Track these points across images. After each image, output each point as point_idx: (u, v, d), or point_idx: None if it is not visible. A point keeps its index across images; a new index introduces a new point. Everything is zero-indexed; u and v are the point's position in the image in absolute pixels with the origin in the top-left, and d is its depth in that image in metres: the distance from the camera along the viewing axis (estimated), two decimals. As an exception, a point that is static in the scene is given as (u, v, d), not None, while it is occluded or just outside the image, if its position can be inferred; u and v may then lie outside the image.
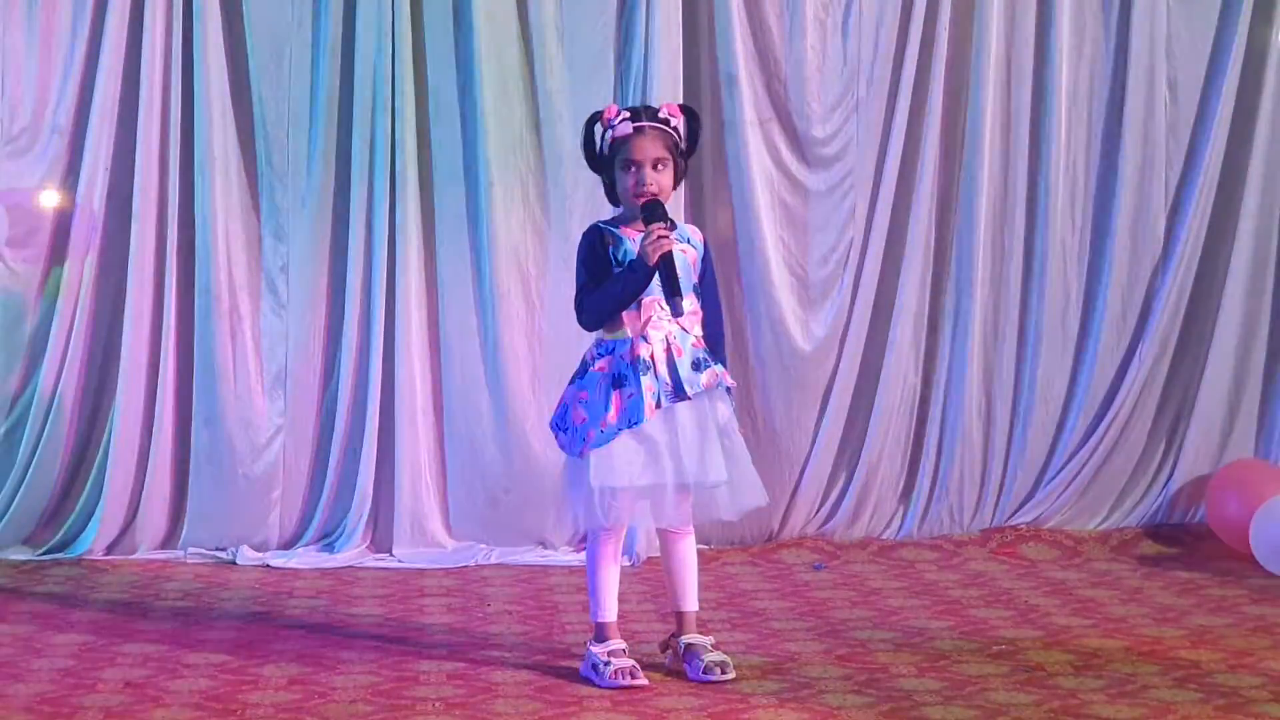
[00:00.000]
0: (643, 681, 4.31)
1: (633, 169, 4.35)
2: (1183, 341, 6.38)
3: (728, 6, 6.11)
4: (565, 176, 6.08)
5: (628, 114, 4.39)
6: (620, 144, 4.36)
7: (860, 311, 6.24)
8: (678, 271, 4.30)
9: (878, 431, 6.28)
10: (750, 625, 5.04)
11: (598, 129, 4.43)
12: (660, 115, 4.40)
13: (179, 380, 6.09)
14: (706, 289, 4.47)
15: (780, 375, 6.24)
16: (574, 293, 4.45)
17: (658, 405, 4.29)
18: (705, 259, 4.48)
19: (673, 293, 4.29)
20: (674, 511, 4.36)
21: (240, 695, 4.23)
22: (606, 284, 4.35)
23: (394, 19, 5.99)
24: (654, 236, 4.27)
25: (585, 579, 4.55)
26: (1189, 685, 4.32)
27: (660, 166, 4.36)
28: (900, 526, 6.33)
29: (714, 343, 4.45)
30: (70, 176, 6.03)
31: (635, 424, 4.28)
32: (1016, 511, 6.35)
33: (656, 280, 4.31)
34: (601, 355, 4.37)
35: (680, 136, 4.42)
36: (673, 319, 4.34)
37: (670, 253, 4.28)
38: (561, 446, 4.44)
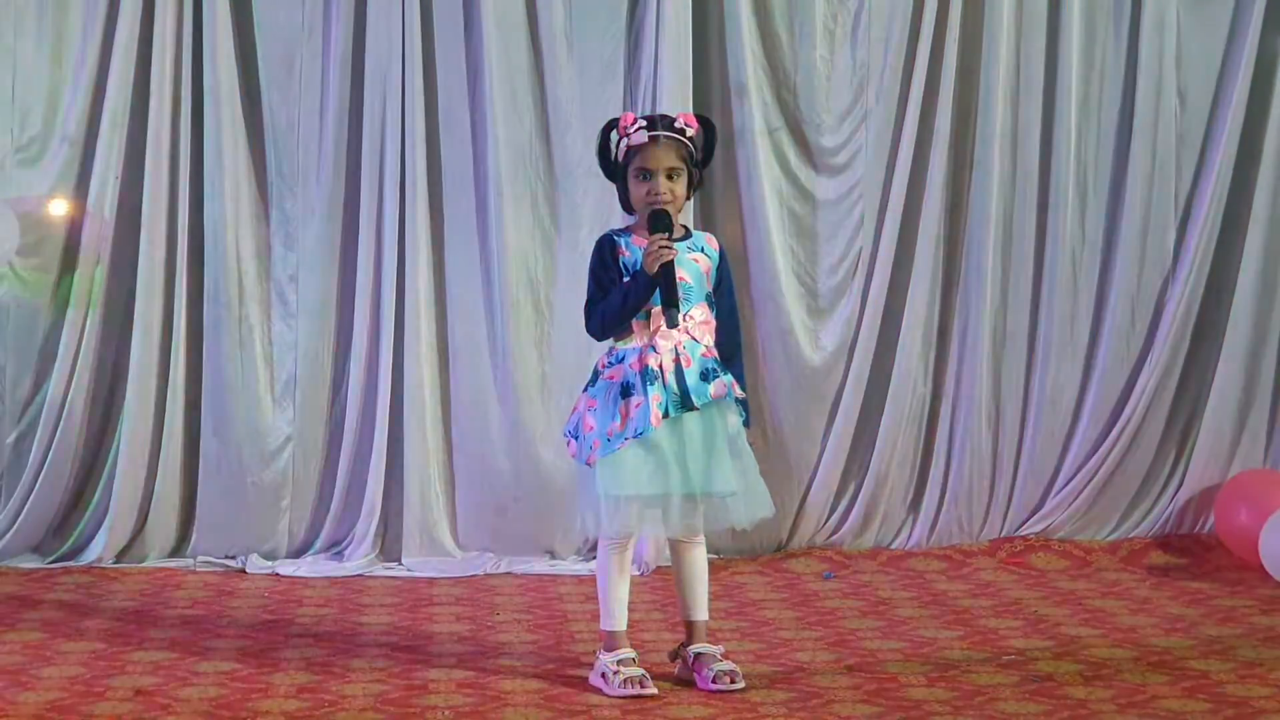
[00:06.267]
0: (652, 690, 4.31)
1: (646, 177, 4.36)
2: (1192, 351, 6.37)
3: (737, 16, 6.12)
4: (575, 185, 6.09)
5: (644, 122, 4.39)
6: (634, 152, 4.37)
7: (869, 321, 6.24)
8: (677, 283, 4.29)
9: (887, 441, 6.27)
10: (759, 635, 5.04)
11: (613, 136, 4.43)
12: (676, 125, 4.40)
13: (188, 388, 6.10)
14: (722, 298, 4.47)
15: (789, 384, 6.24)
16: (584, 301, 4.46)
17: (665, 415, 4.30)
18: (721, 268, 4.48)
19: (669, 304, 4.28)
20: (682, 521, 4.36)
21: (250, 703, 4.24)
22: (613, 294, 4.36)
23: (404, 28, 6.00)
24: (655, 247, 4.27)
25: (594, 588, 4.56)
26: (1199, 696, 4.31)
27: (674, 176, 4.36)
28: (909, 536, 6.32)
29: (729, 352, 4.45)
30: (80, 185, 6.04)
31: (642, 433, 4.29)
32: (1026, 521, 6.35)
33: (665, 290, 4.32)
34: (612, 364, 4.38)
35: (695, 147, 4.43)
36: (682, 329, 4.34)
37: (671, 264, 4.28)
38: (573, 454, 4.44)
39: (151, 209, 6.02)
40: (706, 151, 4.48)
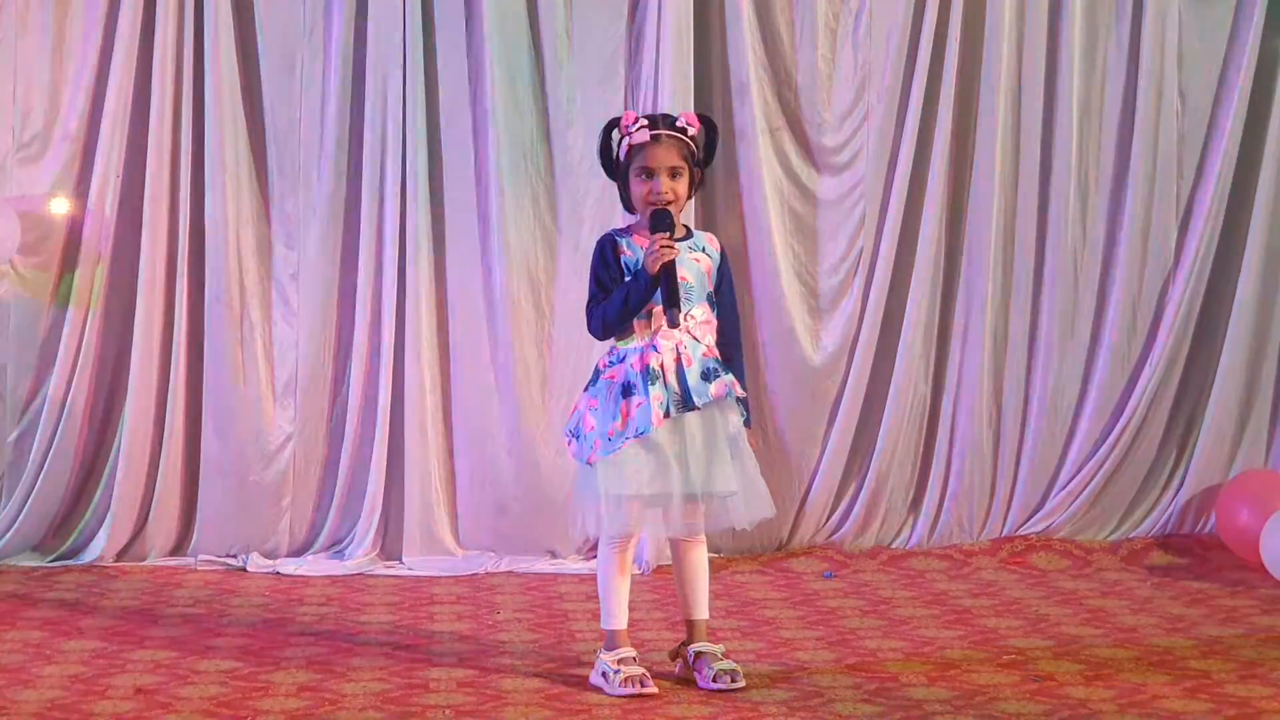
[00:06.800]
0: (652, 689, 4.31)
1: (648, 176, 4.35)
2: (1193, 351, 6.38)
3: (739, 15, 6.12)
4: (576, 184, 6.09)
5: (645, 121, 4.38)
6: (636, 151, 4.37)
7: (870, 321, 6.24)
8: (678, 283, 4.29)
9: (887, 441, 6.27)
10: (760, 634, 5.04)
11: (614, 135, 4.43)
12: (678, 124, 4.39)
13: (189, 387, 6.10)
14: (723, 298, 4.47)
15: (790, 384, 6.24)
16: (585, 301, 4.46)
17: (666, 415, 4.29)
18: (722, 268, 4.48)
19: (670, 304, 4.28)
20: (683, 521, 4.36)
21: (250, 702, 4.24)
22: (614, 294, 4.36)
23: (405, 27, 6.01)
24: (656, 246, 4.27)
25: (595, 587, 4.56)
26: (1200, 696, 4.31)
27: (676, 175, 4.36)
28: (910, 536, 6.32)
29: (729, 352, 4.45)
30: (82, 183, 6.05)
31: (643, 433, 4.28)
32: (1026, 521, 6.35)
33: (665, 290, 4.32)
34: (613, 364, 4.38)
35: (697, 146, 4.42)
36: (683, 328, 4.33)
37: (671, 263, 4.27)
38: (574, 454, 4.44)
39: (152, 208, 6.02)
40: (708, 151, 4.47)
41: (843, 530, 6.30)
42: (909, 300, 6.25)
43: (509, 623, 5.21)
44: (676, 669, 4.50)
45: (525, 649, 4.85)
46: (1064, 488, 6.36)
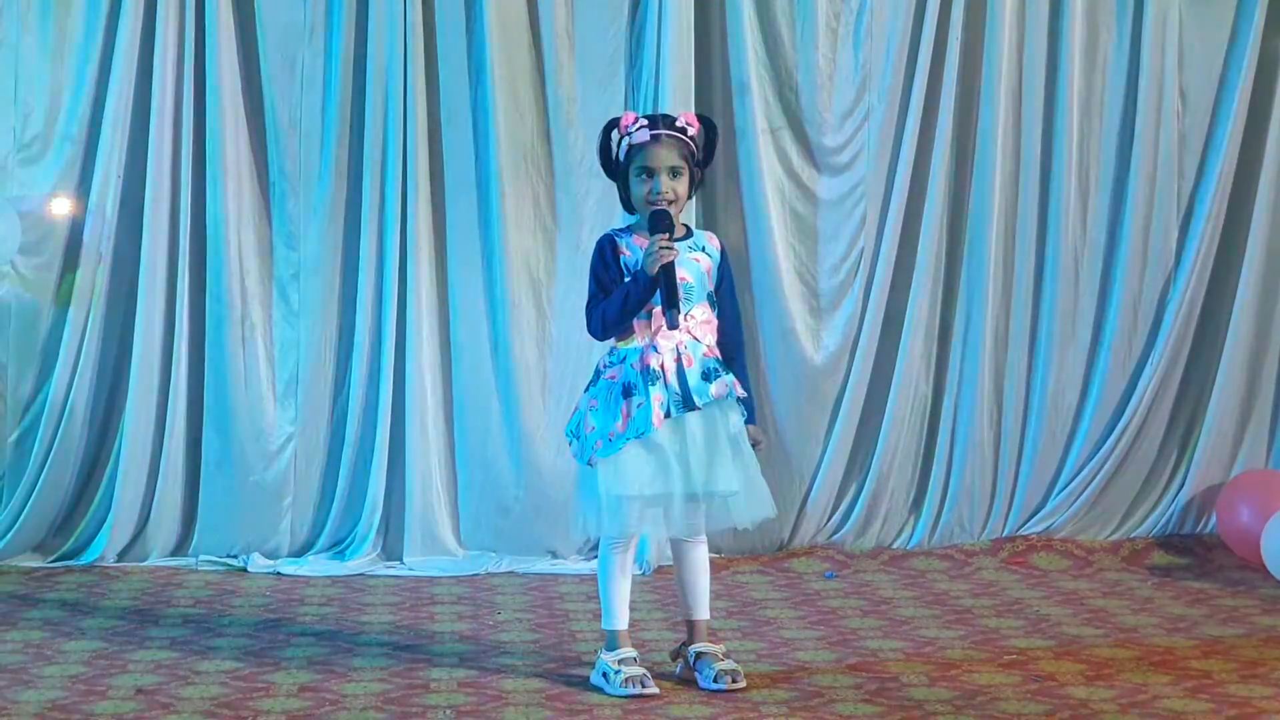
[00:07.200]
0: (653, 690, 4.31)
1: (648, 176, 4.35)
2: (1194, 351, 6.37)
3: (739, 15, 6.12)
4: (576, 185, 6.09)
5: (645, 121, 4.38)
6: (636, 151, 4.36)
7: (871, 321, 6.24)
8: (678, 284, 4.28)
9: (888, 441, 6.27)
10: (761, 634, 5.04)
11: (614, 135, 4.42)
12: (678, 124, 4.39)
13: (190, 387, 6.10)
14: (724, 298, 4.46)
15: (791, 384, 6.24)
16: (585, 301, 4.46)
17: (666, 415, 4.29)
18: (723, 267, 4.47)
19: (669, 305, 4.27)
20: (684, 521, 4.36)
21: (251, 702, 4.24)
22: (613, 294, 4.35)
23: (406, 28, 6.01)
24: (656, 247, 4.27)
25: (595, 587, 4.56)
26: (1200, 696, 4.31)
27: (676, 175, 4.35)
28: (911, 536, 6.32)
29: (731, 352, 4.45)
30: (82, 184, 6.05)
31: (643, 434, 4.28)
32: (1027, 521, 6.34)
33: (665, 290, 4.32)
34: (613, 364, 4.38)
35: (697, 146, 4.42)
36: (683, 329, 4.33)
37: (671, 264, 4.27)
38: (574, 454, 4.44)
39: (153, 208, 6.02)
40: (708, 151, 4.47)
41: (844, 530, 6.29)
42: (909, 300, 6.24)
43: (509, 623, 5.21)
44: (677, 669, 4.50)
45: (526, 649, 4.85)
46: (1065, 488, 6.36)
